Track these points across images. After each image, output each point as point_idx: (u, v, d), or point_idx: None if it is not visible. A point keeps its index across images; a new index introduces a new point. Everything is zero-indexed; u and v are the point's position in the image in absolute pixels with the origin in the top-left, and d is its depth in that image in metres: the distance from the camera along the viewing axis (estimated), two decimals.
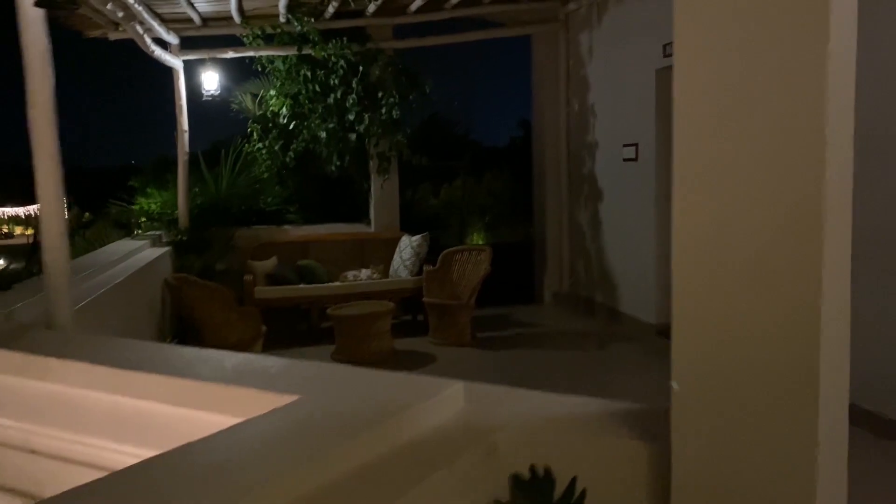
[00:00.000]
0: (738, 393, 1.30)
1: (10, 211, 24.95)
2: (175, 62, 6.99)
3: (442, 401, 1.85)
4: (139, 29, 5.57)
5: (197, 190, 7.76)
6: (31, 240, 15.97)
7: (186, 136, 7.24)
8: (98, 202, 9.08)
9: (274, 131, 7.56)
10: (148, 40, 5.83)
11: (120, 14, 5.21)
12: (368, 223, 8.06)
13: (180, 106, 7.16)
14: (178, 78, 7.12)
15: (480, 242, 9.25)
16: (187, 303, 5.56)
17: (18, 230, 22.14)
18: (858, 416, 4.06)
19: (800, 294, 1.21)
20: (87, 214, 11.02)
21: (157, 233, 7.12)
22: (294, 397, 1.84)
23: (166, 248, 6.67)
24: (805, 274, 1.19)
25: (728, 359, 1.31)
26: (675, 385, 1.37)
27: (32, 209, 21.22)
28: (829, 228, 1.19)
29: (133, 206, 7.94)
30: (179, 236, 6.93)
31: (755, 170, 1.24)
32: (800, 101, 1.18)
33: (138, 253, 5.93)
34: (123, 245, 6.21)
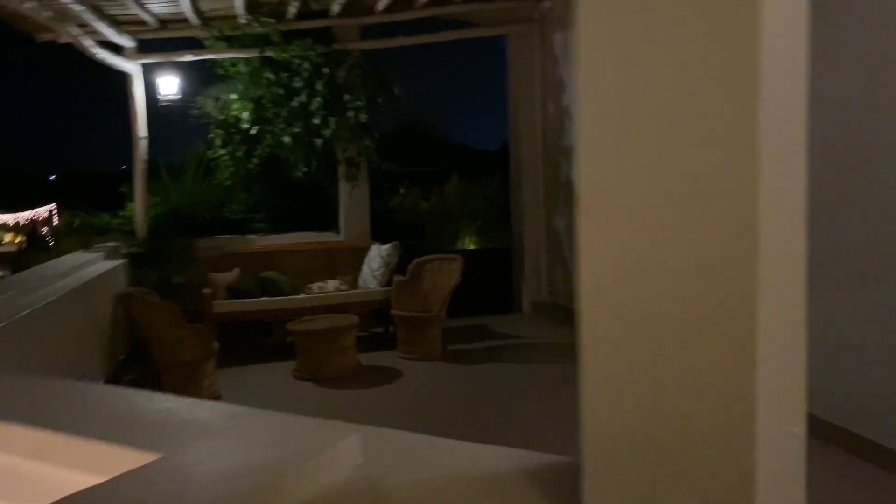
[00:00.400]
0: (655, 471, 1.04)
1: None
2: (130, 66, 6.69)
3: (333, 457, 1.55)
4: (75, 31, 5.25)
5: (158, 199, 7.46)
6: (22, 246, 15.72)
7: (144, 142, 6.93)
8: (94, 207, 8.71)
9: (237, 137, 7.26)
10: (88, 43, 5.51)
11: (45, 13, 4.89)
12: (338, 232, 7.77)
13: (135, 111, 6.85)
14: (134, 82, 6.81)
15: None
16: (136, 320, 5.26)
17: (8, 237, 21.98)
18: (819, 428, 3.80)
19: (728, 350, 0.96)
20: (77, 220, 10.81)
21: (115, 244, 6.81)
22: (157, 455, 1.55)
23: (121, 261, 6.36)
24: (731, 331, 0.94)
25: (643, 427, 1.05)
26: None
27: (22, 216, 20.94)
28: (766, 267, 0.92)
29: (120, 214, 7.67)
30: (135, 248, 6.61)
31: (671, 190, 0.98)
32: (725, 102, 0.92)
33: (87, 267, 5.62)
34: (74, 258, 5.91)
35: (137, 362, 5.93)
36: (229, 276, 6.69)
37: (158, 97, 7.22)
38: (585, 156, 1.09)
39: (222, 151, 7.36)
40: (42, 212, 20.92)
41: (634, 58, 1.00)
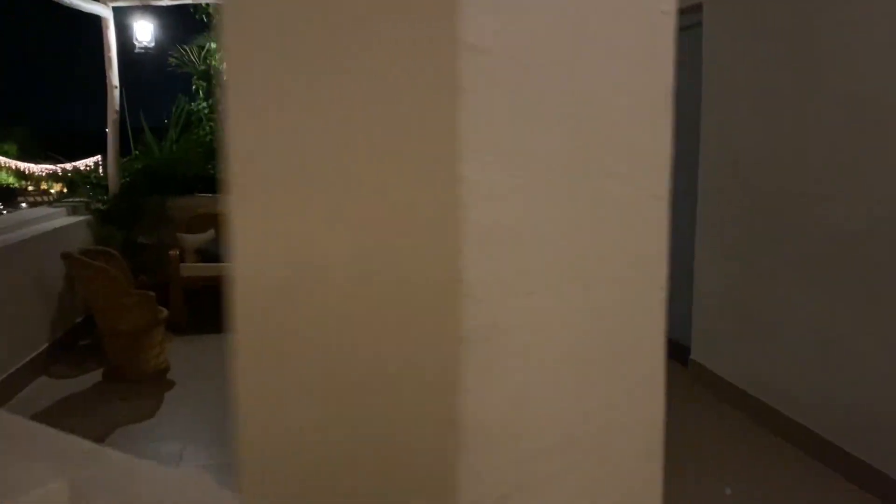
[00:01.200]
0: None
1: (48, 168, 24.97)
2: (102, 10, 6.23)
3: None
4: None
5: (137, 153, 7.05)
6: (61, 195, 15.76)
7: (117, 91, 6.49)
8: None
9: (218, 89, 6.77)
10: None
11: None
12: None
13: (109, 59, 6.39)
14: (107, 27, 6.35)
15: None
16: (79, 283, 4.87)
17: (56, 187, 22.20)
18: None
19: (427, 406, 0.56)
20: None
21: (84, 199, 6.41)
22: None
23: (84, 217, 5.96)
24: (431, 376, 0.54)
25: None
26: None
27: (69, 165, 21.11)
28: (485, 285, 0.54)
29: None
30: (101, 204, 6.20)
31: (351, 168, 0.59)
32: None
33: (36, 222, 5.22)
34: (23, 213, 5.54)
35: (94, 326, 5.57)
36: (201, 238, 6.26)
37: (135, 43, 6.75)
38: (236, 103, 0.64)
39: (204, 104, 6.90)
40: (88, 163, 21.07)
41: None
